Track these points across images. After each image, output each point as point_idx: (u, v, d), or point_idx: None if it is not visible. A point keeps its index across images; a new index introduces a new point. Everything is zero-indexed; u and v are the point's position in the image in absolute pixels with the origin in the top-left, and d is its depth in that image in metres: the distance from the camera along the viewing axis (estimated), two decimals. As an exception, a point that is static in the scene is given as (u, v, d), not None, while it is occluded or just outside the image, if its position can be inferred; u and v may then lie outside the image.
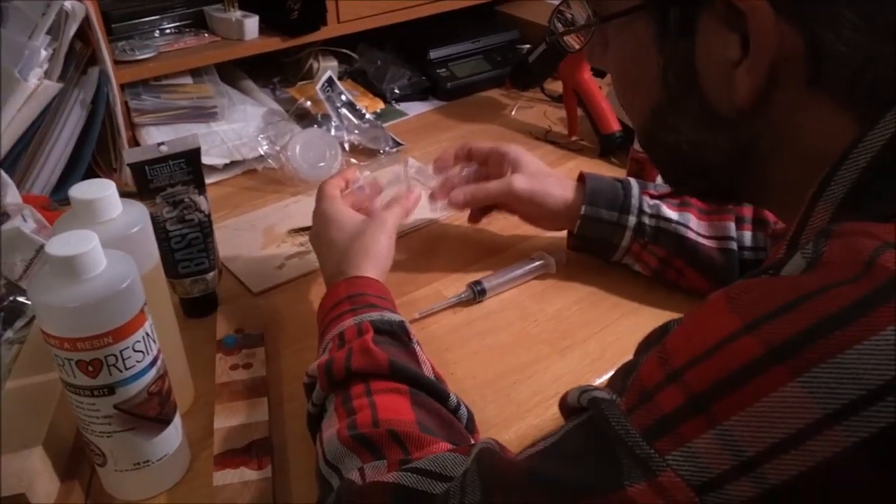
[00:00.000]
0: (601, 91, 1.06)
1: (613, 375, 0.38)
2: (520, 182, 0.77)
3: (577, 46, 0.55)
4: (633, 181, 0.76)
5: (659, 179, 0.91)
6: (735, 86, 0.39)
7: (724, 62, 0.39)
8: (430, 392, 0.54)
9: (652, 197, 0.75)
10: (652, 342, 0.36)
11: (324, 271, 0.70)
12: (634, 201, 0.74)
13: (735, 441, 0.28)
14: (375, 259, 0.67)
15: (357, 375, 0.53)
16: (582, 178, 0.78)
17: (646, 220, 0.74)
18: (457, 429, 0.53)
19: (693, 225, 0.73)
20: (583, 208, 0.75)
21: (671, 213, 0.74)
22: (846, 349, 0.27)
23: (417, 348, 0.59)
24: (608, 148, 1.05)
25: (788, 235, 0.38)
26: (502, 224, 0.90)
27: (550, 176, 0.79)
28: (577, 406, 0.37)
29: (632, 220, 0.74)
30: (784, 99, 0.38)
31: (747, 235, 0.73)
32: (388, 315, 0.60)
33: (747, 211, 0.73)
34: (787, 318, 0.29)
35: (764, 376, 0.28)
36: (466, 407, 0.56)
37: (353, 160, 1.04)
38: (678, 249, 0.73)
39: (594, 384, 0.39)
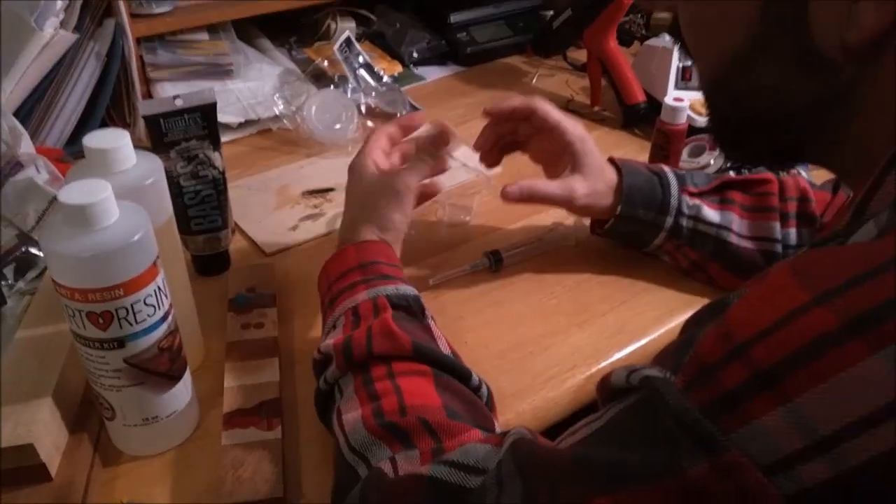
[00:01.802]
0: (626, 60, 1.04)
1: (661, 354, 0.35)
2: (581, 193, 0.69)
3: None
4: (671, 175, 0.71)
5: (685, 154, 0.89)
6: (858, 20, 0.35)
7: None
8: (453, 372, 0.52)
9: (691, 195, 0.71)
10: (704, 318, 0.34)
11: (340, 232, 0.67)
12: (673, 201, 0.70)
13: (808, 419, 0.26)
14: (385, 228, 0.63)
15: (378, 358, 0.51)
16: (615, 166, 0.72)
17: (683, 221, 0.70)
18: (480, 409, 0.51)
19: (735, 227, 0.69)
20: (619, 208, 0.70)
21: (712, 215, 0.70)
22: None
23: (432, 323, 0.57)
24: (632, 119, 1.03)
25: (854, 203, 0.35)
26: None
27: (603, 178, 0.71)
28: (624, 386, 0.35)
29: (668, 220, 0.70)
30: None
31: (792, 233, 0.69)
32: (402, 288, 0.57)
33: (792, 206, 0.69)
34: (863, 288, 0.27)
35: (839, 350, 0.26)
36: (486, 385, 0.55)
37: (369, 123, 1.03)
38: (716, 253, 0.70)
39: (629, 363, 0.36)
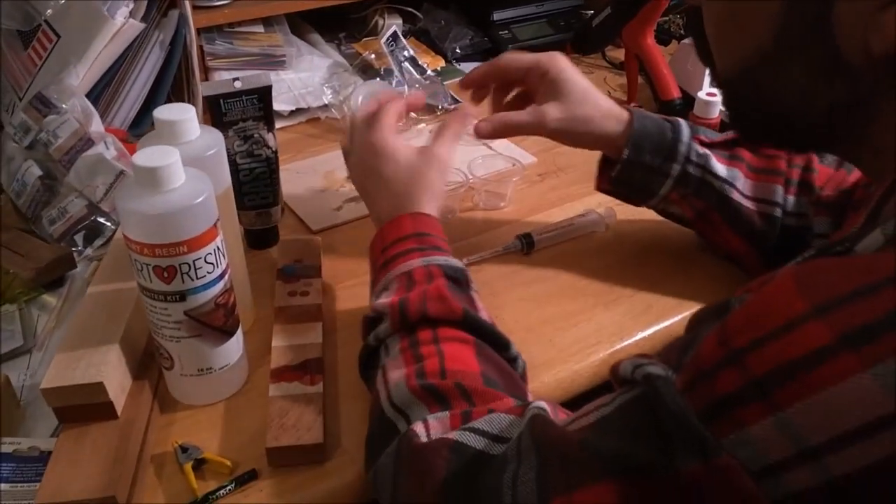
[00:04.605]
0: (663, 57, 1.06)
1: (666, 349, 0.37)
2: (553, 114, 0.70)
3: None
4: (683, 123, 0.71)
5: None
6: (882, 30, 0.35)
7: (870, 2, 0.35)
8: (493, 342, 0.55)
9: (702, 144, 0.70)
10: (706, 318, 0.35)
11: (376, 208, 0.66)
12: (683, 148, 0.69)
13: (797, 429, 0.28)
14: (435, 198, 0.65)
15: (428, 321, 0.53)
16: (629, 112, 0.72)
17: (691, 169, 0.69)
18: (515, 380, 0.54)
19: (740, 184, 0.69)
20: (624, 152, 0.69)
21: (719, 169, 0.69)
22: None
23: (475, 296, 0.59)
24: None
25: (870, 205, 0.36)
26: (553, 182, 0.92)
27: (592, 103, 0.70)
28: (629, 378, 0.36)
29: (676, 168, 0.69)
30: None
31: (791, 200, 0.69)
32: (452, 261, 0.60)
33: (796, 173, 0.69)
34: (861, 303, 0.27)
35: (831, 364, 0.27)
36: (521, 358, 0.57)
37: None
38: (717, 206, 0.70)
39: (651, 344, 0.38)
